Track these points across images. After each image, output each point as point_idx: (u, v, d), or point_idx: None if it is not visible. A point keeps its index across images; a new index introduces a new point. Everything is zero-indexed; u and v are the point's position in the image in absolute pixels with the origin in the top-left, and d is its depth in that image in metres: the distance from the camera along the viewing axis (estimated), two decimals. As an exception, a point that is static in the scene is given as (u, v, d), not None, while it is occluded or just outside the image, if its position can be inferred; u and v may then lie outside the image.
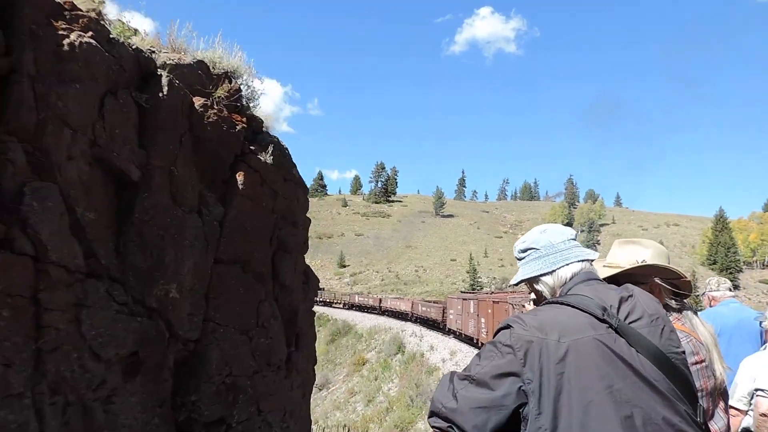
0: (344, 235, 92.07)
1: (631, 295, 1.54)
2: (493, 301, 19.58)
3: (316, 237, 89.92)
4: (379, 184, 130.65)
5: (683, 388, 1.41)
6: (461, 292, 35.59)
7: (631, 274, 2.01)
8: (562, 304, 1.49)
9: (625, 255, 2.13)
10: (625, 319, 1.45)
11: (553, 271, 1.64)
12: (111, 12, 4.03)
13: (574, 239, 1.71)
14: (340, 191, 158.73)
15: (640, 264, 2.06)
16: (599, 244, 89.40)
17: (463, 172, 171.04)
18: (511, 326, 1.43)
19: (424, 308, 32.16)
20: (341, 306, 51.29)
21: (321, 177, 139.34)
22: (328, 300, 54.65)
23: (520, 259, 1.75)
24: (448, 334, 26.60)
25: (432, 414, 1.48)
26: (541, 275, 1.66)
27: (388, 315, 39.47)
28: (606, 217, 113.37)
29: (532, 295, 1.82)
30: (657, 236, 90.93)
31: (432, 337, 26.96)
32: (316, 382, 23.27)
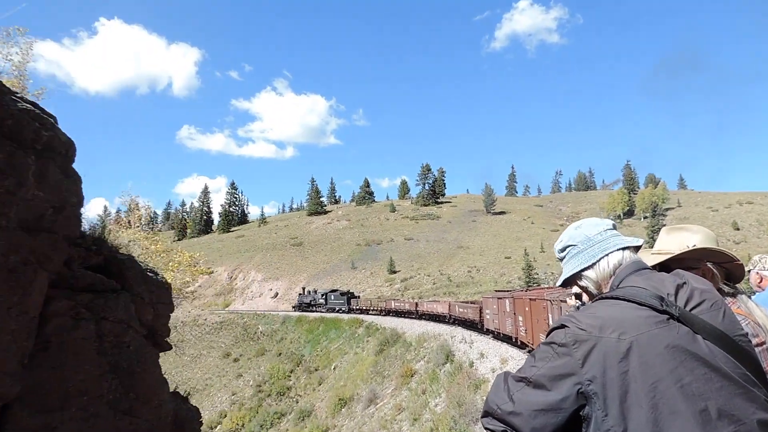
0: (393, 240, 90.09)
1: (685, 282, 1.47)
2: (530, 299, 18.70)
3: (365, 244, 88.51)
4: (426, 187, 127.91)
5: (754, 371, 1.34)
6: (495, 291, 33.98)
7: (682, 260, 2.00)
8: (615, 298, 1.43)
9: (674, 241, 2.11)
10: (685, 306, 1.40)
11: (594, 264, 1.60)
12: None
13: (612, 229, 1.67)
14: (387, 197, 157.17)
15: (690, 248, 2.03)
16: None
17: (512, 168, 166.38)
18: (566, 326, 1.39)
19: (461, 309, 31.68)
20: (377, 312, 49.94)
21: (367, 184, 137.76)
22: (364, 307, 53.16)
23: (561, 260, 1.74)
24: (486, 334, 26.34)
25: (486, 414, 1.45)
26: (582, 270, 1.62)
27: (425, 319, 38.71)
28: (670, 200, 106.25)
29: (574, 289, 1.76)
30: (729, 216, 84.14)
31: (482, 343, 24.45)
32: (364, 397, 21.09)
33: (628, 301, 1.39)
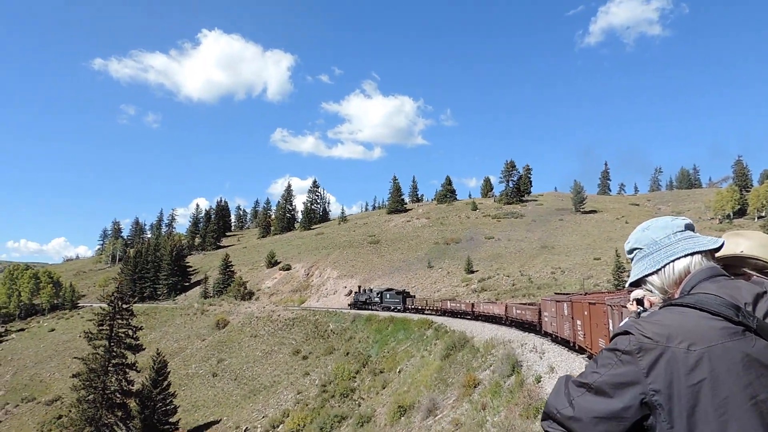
0: (473, 239, 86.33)
1: (766, 291, 1.40)
2: (589, 303, 18.04)
3: (443, 243, 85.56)
4: (510, 184, 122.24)
5: None
6: (555, 293, 33.25)
7: (727, 267, 1.83)
8: (685, 306, 1.38)
9: (727, 246, 1.94)
10: (765, 317, 1.32)
11: (658, 270, 1.55)
12: None
13: (684, 230, 1.59)
14: (470, 195, 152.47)
15: (736, 254, 1.99)
16: (784, 230, 73.61)
17: (606, 165, 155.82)
18: (630, 332, 1.34)
19: (518, 311, 31.03)
20: (432, 312, 49.40)
21: (449, 182, 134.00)
22: (419, 307, 52.59)
23: (630, 261, 1.68)
24: (545, 337, 25.63)
25: (546, 417, 1.43)
26: (646, 276, 1.58)
27: (482, 320, 38.17)
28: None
29: (635, 294, 1.76)
30: None
31: (554, 354, 21.12)
32: (424, 406, 18.51)
33: (699, 309, 1.33)
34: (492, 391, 20.80)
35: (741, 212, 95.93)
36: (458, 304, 45.55)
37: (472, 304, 42.31)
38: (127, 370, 35.50)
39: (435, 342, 37.11)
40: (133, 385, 35.81)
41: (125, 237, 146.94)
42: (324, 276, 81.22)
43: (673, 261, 1.51)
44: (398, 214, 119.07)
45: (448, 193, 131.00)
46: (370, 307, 58.04)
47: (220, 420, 41.83)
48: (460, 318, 41.94)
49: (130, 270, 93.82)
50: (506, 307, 34.33)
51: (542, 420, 1.45)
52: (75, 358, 37.01)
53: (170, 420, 40.54)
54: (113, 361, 34.79)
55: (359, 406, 34.90)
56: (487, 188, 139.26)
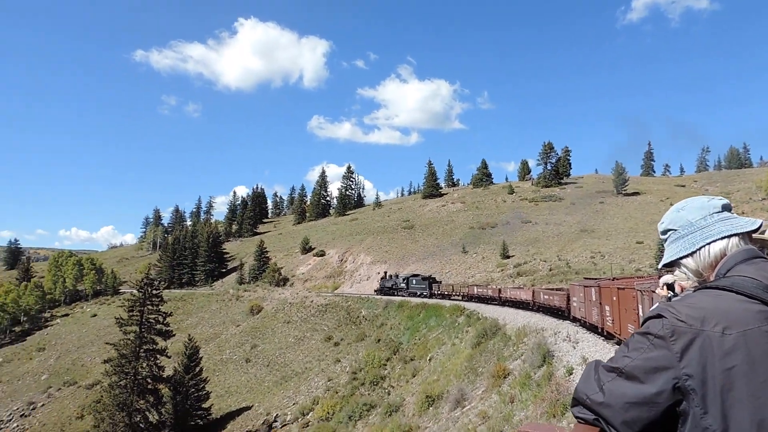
0: (509, 223, 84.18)
1: None
2: (618, 288, 17.74)
3: (478, 227, 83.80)
4: (549, 167, 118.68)
5: None
6: (584, 278, 32.02)
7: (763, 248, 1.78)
8: (720, 288, 1.35)
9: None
10: None
11: (694, 252, 1.49)
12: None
13: (722, 211, 1.53)
14: (506, 179, 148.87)
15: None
16: None
17: (649, 145, 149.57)
18: (663, 315, 1.32)
19: (546, 296, 30.93)
20: (459, 298, 48.94)
21: (485, 166, 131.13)
22: (446, 292, 51.75)
23: (663, 241, 1.63)
24: (574, 322, 25.43)
25: (576, 403, 1.40)
26: (681, 258, 1.52)
27: (509, 305, 37.70)
28: None
29: (665, 279, 1.73)
30: None
31: (590, 343, 19.70)
32: (452, 396, 17.44)
33: (735, 292, 1.30)
34: (521, 383, 19.58)
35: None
36: (485, 290, 45.13)
37: (499, 290, 41.86)
38: (158, 355, 35.65)
39: (467, 329, 35.99)
40: (163, 371, 35.97)
41: (165, 225, 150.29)
42: (357, 262, 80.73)
43: (709, 243, 1.46)
44: (433, 199, 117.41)
45: (484, 177, 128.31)
46: (396, 292, 57.79)
47: (252, 406, 41.87)
48: (486, 303, 41.76)
49: (168, 257, 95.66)
50: (533, 293, 33.96)
51: (572, 406, 1.40)
52: (107, 343, 37.44)
53: (203, 405, 40.81)
54: (144, 347, 34.99)
55: (389, 394, 34.24)
56: (525, 171, 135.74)
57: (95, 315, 78.64)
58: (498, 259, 65.72)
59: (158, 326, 35.94)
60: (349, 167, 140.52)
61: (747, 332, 1.21)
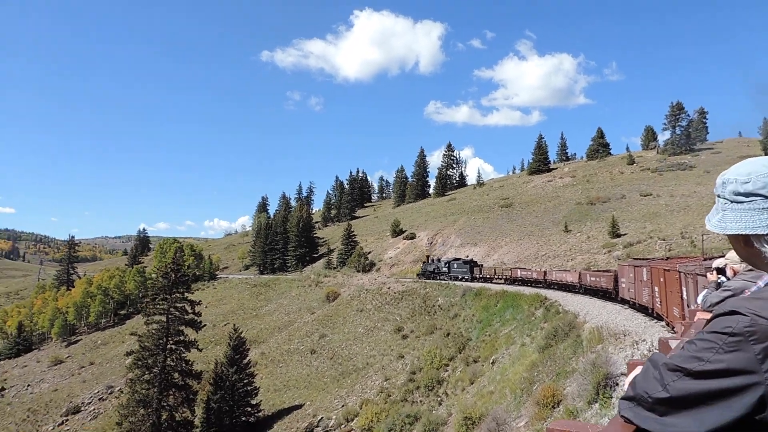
0: (625, 197, 72.36)
1: None
2: (664, 269, 17.08)
3: (587, 203, 73.14)
4: (678, 131, 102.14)
5: None
6: (634, 259, 31.11)
7: None
8: None
9: None
10: None
11: None
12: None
13: None
14: (627, 148, 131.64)
15: None
16: None
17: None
18: (739, 312, 1.09)
19: (592, 278, 31.05)
20: (502, 282, 48.39)
21: (601, 135, 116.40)
22: (488, 276, 51.70)
23: (734, 201, 1.24)
24: (623, 304, 24.97)
25: (630, 399, 1.18)
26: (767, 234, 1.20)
27: (554, 288, 37.31)
28: None
29: (717, 262, 1.42)
30: None
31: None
32: (485, 427, 11.92)
33: None
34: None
35: None
36: (529, 272, 44.23)
37: (545, 272, 41.17)
38: (187, 348, 32.20)
39: (542, 325, 28.43)
40: (193, 365, 32.49)
41: (275, 211, 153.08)
42: (447, 244, 73.94)
43: None
44: (540, 175, 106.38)
45: (600, 148, 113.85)
46: (438, 277, 57.58)
47: (303, 405, 37.49)
48: (532, 286, 40.79)
49: (261, 242, 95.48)
50: (580, 275, 33.90)
51: (622, 399, 1.20)
52: (132, 334, 34.72)
53: (251, 402, 37.13)
54: (172, 339, 31.69)
55: (439, 404, 28.06)
56: (649, 139, 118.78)
57: (189, 300, 79.89)
58: (606, 238, 55.57)
59: (188, 317, 32.41)
60: (449, 145, 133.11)
61: None
